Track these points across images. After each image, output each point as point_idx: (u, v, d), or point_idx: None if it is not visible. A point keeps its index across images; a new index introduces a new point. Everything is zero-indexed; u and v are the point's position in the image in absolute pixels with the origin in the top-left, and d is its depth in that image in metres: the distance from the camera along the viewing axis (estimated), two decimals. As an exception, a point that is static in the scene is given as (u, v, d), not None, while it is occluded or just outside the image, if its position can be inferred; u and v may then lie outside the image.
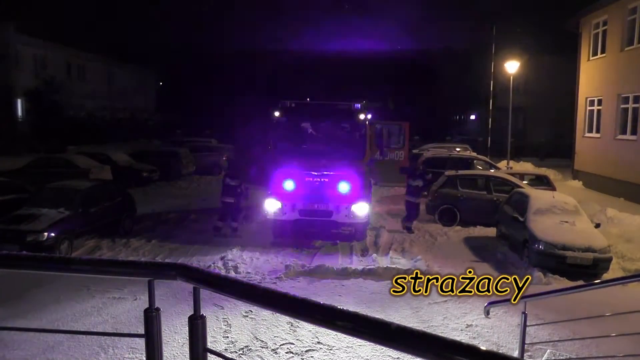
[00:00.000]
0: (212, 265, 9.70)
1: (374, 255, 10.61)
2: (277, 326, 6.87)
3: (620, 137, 19.22)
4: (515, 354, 6.41)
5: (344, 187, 11.55)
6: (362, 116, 11.74)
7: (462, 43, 45.02)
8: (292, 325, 6.88)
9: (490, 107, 27.35)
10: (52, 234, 10.29)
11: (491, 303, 5.95)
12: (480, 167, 19.18)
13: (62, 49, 36.53)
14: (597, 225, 10.99)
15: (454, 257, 11.02)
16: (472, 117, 55.32)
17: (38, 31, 32.36)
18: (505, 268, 10.37)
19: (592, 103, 22.03)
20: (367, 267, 9.57)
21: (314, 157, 11.85)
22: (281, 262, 10.03)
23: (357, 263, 10.11)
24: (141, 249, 11.23)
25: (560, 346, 6.34)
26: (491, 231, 12.98)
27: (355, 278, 9.16)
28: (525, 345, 5.39)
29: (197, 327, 1.73)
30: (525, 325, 4.96)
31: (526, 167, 24.86)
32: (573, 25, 23.33)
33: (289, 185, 11.63)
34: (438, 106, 51.27)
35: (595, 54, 21.70)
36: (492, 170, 17.93)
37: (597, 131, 21.34)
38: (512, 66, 23.32)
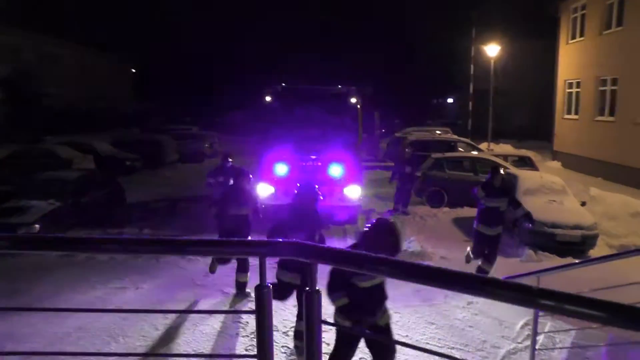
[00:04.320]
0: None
1: (369, 238, 10.72)
2: (285, 310, 6.96)
3: (598, 118, 19.72)
4: (517, 328, 6.67)
5: (336, 171, 11.64)
6: (353, 100, 11.81)
7: (442, 26, 45.32)
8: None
9: (471, 91, 27.66)
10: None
11: (506, 279, 6.10)
12: (462, 150, 19.49)
13: (37, 38, 35.50)
14: (583, 204, 11.36)
15: (446, 238, 11.26)
16: (450, 100, 55.93)
17: (12, 19, 31.39)
18: (497, 247, 10.63)
19: (570, 85, 22.51)
20: (364, 250, 9.70)
21: (305, 141, 11.89)
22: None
23: (353, 246, 10.21)
24: (135, 238, 11.14)
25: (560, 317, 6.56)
26: (479, 212, 13.23)
27: (354, 261, 9.28)
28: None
29: (313, 301, 1.86)
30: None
31: (506, 149, 25.29)
32: (552, 10, 23.68)
33: (281, 169, 11.67)
34: (417, 90, 51.65)
35: (574, 37, 22.11)
36: (475, 152, 18.24)
37: (576, 113, 21.85)
38: (492, 50, 23.60)
